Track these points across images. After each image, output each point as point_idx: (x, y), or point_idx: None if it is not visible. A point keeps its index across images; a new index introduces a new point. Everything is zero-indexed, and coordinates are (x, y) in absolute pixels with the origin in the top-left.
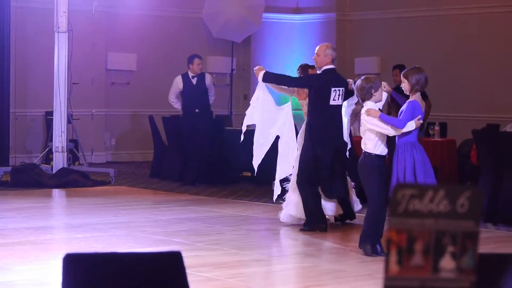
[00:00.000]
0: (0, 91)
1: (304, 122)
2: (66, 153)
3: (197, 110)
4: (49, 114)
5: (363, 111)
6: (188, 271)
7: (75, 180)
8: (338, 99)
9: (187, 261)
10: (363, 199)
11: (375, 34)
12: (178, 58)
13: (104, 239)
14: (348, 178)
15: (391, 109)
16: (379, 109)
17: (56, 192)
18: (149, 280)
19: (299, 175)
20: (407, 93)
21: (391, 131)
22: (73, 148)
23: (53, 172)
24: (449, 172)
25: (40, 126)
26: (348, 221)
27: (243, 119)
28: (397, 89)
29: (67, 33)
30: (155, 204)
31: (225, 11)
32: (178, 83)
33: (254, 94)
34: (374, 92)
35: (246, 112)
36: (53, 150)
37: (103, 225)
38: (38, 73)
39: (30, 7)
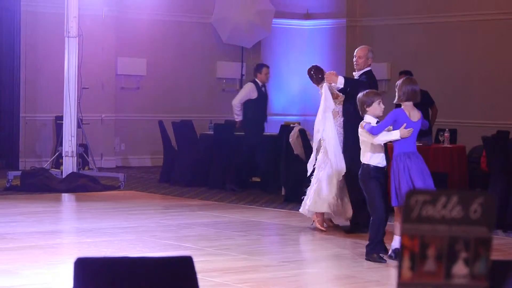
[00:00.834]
0: (10, 96)
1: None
2: (75, 157)
3: (265, 122)
4: (59, 118)
5: (361, 123)
6: (197, 276)
7: (84, 184)
8: None
9: (197, 266)
10: None
11: (385, 40)
12: (187, 63)
13: (113, 243)
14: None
15: None
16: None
17: (65, 196)
18: (160, 285)
19: None
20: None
21: (370, 139)
22: (83, 152)
23: (63, 176)
24: (458, 178)
25: (50, 130)
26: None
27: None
28: None
29: (77, 37)
30: (164, 209)
31: (235, 17)
32: (251, 90)
33: (324, 105)
34: (366, 107)
35: (318, 124)
36: (63, 154)
37: (113, 230)
38: (48, 78)
39: (40, 12)
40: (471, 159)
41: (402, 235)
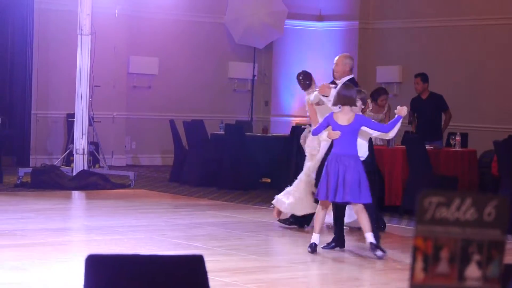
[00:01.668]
0: (22, 93)
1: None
2: (86, 155)
3: None
4: (71, 116)
5: None
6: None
7: (95, 182)
8: None
9: (206, 265)
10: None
11: (397, 43)
12: (200, 63)
13: (123, 242)
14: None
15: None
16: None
17: (76, 194)
18: (171, 283)
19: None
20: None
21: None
22: (94, 150)
23: (73, 174)
24: (469, 182)
25: (61, 128)
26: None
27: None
28: (416, 98)
29: (90, 35)
30: (174, 208)
31: (247, 17)
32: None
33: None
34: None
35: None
36: (74, 152)
37: (122, 228)
38: (60, 75)
39: (53, 10)
40: (482, 163)
41: (415, 236)
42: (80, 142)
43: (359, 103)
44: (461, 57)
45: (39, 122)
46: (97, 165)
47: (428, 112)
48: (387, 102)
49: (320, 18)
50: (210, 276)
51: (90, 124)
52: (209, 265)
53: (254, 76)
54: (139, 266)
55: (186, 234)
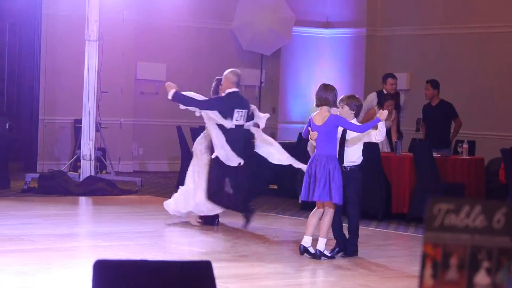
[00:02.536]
0: (29, 98)
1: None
2: (93, 161)
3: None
4: (78, 122)
5: None
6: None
7: (102, 188)
8: (240, 120)
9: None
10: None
11: (405, 50)
12: (207, 69)
13: (129, 247)
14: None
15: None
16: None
17: (82, 199)
18: None
19: None
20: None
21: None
22: (101, 156)
23: (80, 180)
24: (476, 190)
25: (69, 133)
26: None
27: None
28: (427, 105)
29: (97, 41)
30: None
31: (255, 24)
32: (373, 99)
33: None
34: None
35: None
36: (81, 158)
37: (129, 234)
38: (68, 81)
39: (61, 15)
40: (489, 171)
41: (424, 243)
42: (87, 148)
43: (345, 108)
44: (468, 64)
45: (46, 127)
46: (104, 171)
47: (437, 119)
48: (393, 108)
49: (328, 25)
50: (216, 282)
51: (97, 130)
52: (216, 272)
53: (261, 82)
54: (147, 272)
55: (192, 240)
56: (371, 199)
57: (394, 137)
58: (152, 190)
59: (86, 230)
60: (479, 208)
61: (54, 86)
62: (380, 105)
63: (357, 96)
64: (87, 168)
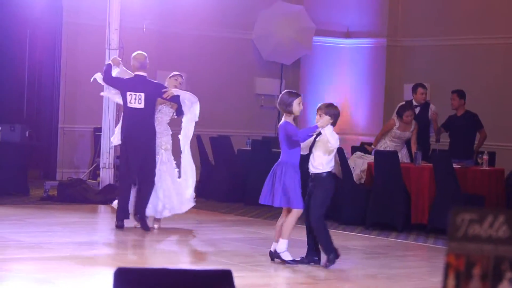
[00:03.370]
0: (49, 106)
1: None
2: (113, 169)
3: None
4: (98, 130)
5: None
6: None
7: None
8: (134, 103)
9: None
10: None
11: (425, 61)
12: (227, 78)
13: (148, 256)
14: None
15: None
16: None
17: (102, 208)
18: None
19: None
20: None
21: None
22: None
23: (100, 188)
24: (496, 201)
25: (88, 142)
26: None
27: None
28: (452, 116)
29: (118, 50)
30: (199, 223)
31: (275, 34)
32: None
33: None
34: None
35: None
36: (100, 166)
37: (148, 243)
38: (88, 89)
39: (82, 24)
40: (509, 182)
41: (448, 253)
42: (107, 156)
43: (326, 117)
44: (488, 75)
45: (66, 135)
46: None
47: (462, 129)
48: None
49: (348, 35)
50: None
51: None
52: (235, 281)
53: (281, 92)
54: (167, 280)
55: (211, 249)
56: (391, 210)
57: (413, 148)
58: None
59: (105, 238)
60: (503, 218)
61: (74, 94)
62: (399, 115)
63: (335, 104)
64: (106, 176)
